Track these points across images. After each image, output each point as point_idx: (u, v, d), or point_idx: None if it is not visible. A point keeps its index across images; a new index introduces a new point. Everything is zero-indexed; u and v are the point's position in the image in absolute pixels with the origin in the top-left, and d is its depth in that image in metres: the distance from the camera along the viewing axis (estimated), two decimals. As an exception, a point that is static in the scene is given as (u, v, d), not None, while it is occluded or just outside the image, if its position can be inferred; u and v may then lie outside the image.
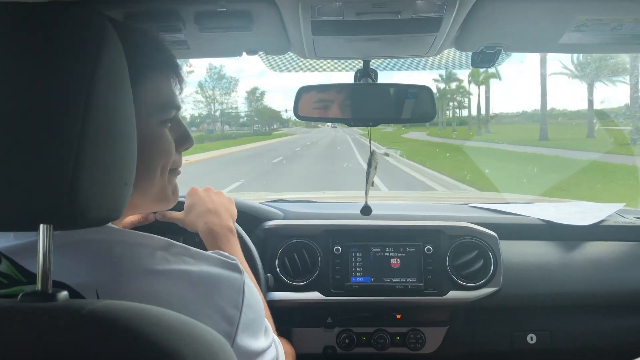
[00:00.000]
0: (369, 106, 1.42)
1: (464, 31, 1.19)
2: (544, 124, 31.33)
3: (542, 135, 29.34)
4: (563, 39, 1.21)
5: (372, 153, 1.50)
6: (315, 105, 1.43)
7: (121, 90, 0.69)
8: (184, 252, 0.81)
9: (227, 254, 0.86)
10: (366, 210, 1.55)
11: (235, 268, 0.84)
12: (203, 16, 1.10)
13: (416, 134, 43.04)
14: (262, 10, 1.09)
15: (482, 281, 1.59)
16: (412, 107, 1.41)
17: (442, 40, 1.19)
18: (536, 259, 1.68)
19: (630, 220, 1.79)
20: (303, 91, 1.40)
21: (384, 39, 1.20)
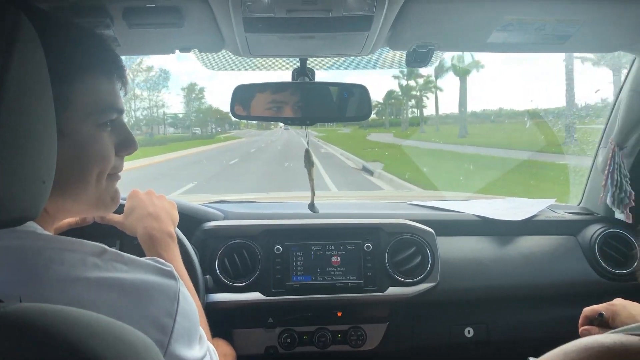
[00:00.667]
0: (306, 105, 1.42)
1: (395, 30, 1.21)
2: (463, 122, 32.94)
3: (462, 134, 30.58)
4: (491, 39, 1.25)
5: (307, 151, 1.51)
6: (251, 104, 1.42)
7: (38, 89, 0.66)
8: (116, 259, 0.78)
9: (162, 260, 0.84)
10: (313, 208, 1.56)
11: (170, 275, 0.82)
12: (132, 12, 1.08)
13: (382, 136, 37.16)
14: (192, 7, 1.07)
15: (420, 277, 1.62)
16: (349, 105, 1.42)
17: (374, 38, 1.21)
18: (472, 254, 1.72)
19: (560, 214, 1.87)
20: (239, 90, 1.39)
21: (317, 37, 1.21)
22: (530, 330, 1.71)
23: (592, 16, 1.16)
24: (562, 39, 1.25)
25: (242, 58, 1.41)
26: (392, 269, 1.62)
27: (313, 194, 1.54)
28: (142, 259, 0.82)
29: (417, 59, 1.37)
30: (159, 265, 0.82)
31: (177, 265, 1.21)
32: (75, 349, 0.56)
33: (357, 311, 1.67)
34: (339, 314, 1.67)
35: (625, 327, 0.58)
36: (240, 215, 1.77)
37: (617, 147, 1.60)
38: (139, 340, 0.64)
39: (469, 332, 1.70)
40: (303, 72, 1.42)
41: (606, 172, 1.63)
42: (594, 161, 1.82)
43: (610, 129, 1.69)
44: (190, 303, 0.84)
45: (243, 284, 1.59)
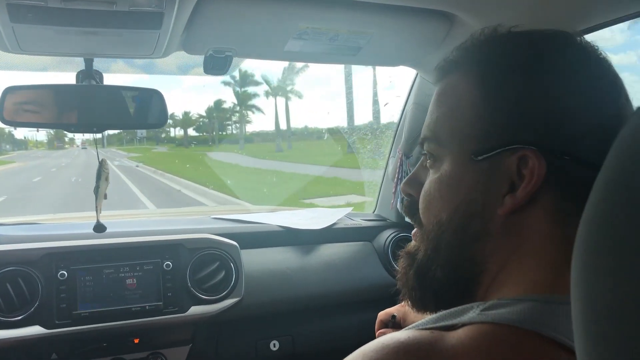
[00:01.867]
0: (94, 110, 1.28)
1: (190, 32, 1.15)
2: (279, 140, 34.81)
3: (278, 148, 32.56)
4: (288, 46, 1.25)
5: (102, 162, 1.37)
6: (27, 108, 1.24)
7: None
8: None
9: None
10: (99, 228, 1.41)
11: None
12: None
13: (229, 156, 32.21)
14: None
15: (224, 293, 1.56)
16: (142, 112, 1.32)
17: (166, 39, 1.13)
18: (276, 265, 1.71)
19: (357, 222, 1.96)
20: (9, 91, 1.20)
21: (102, 33, 1.09)
22: (335, 339, 1.74)
23: (381, 30, 1.22)
24: (354, 50, 1.30)
25: (11, 55, 1.21)
26: (194, 287, 1.53)
27: (99, 211, 1.39)
28: None
29: (215, 65, 1.31)
30: None
31: None
32: None
33: (157, 336, 1.55)
34: (136, 340, 1.52)
35: (416, 323, 0.60)
36: (15, 239, 1.52)
37: (404, 157, 1.73)
38: None
39: (274, 345, 1.67)
40: (89, 75, 1.28)
41: (395, 180, 1.75)
42: (385, 170, 1.95)
43: (398, 139, 1.82)
44: None
45: (19, 318, 1.36)
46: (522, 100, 0.60)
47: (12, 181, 21.36)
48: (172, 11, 0.99)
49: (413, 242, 0.73)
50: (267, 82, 41.43)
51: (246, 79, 43.69)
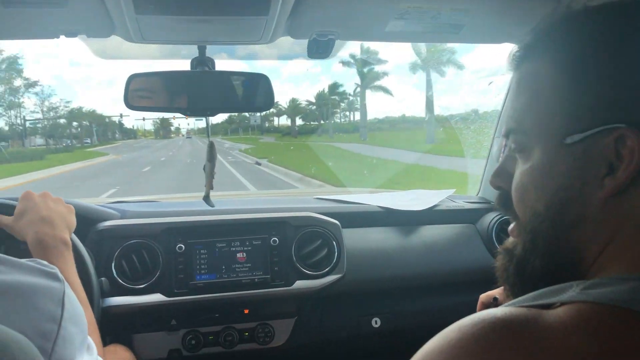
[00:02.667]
0: (206, 95, 1.37)
1: (295, 17, 1.20)
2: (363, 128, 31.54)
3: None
4: (389, 27, 1.27)
5: (211, 145, 1.46)
6: (147, 94, 1.35)
7: None
8: None
9: (45, 262, 0.77)
10: (208, 200, 1.51)
11: (54, 277, 0.75)
12: None
13: (358, 147, 27.93)
14: None
15: (327, 269, 1.62)
16: (250, 96, 1.39)
17: (273, 25, 1.19)
18: (377, 245, 1.74)
19: (459, 204, 1.94)
20: (133, 79, 1.31)
21: (214, 21, 1.17)
22: (435, 319, 1.75)
23: (483, 5, 1.20)
24: (456, 28, 1.29)
25: (135, 45, 1.33)
26: (299, 262, 1.61)
27: (210, 187, 1.50)
28: (23, 260, 0.75)
29: (319, 49, 1.36)
30: (42, 267, 0.75)
31: (70, 276, 1.12)
32: None
33: (265, 307, 1.64)
34: (246, 311, 1.62)
35: (514, 301, 0.60)
36: (139, 214, 1.67)
37: (509, 136, 1.67)
38: (14, 341, 0.58)
39: (375, 322, 1.71)
40: (202, 61, 1.37)
41: (500, 160, 1.70)
42: (489, 152, 1.91)
43: (503, 119, 1.77)
44: (77, 307, 0.78)
45: (143, 286, 1.50)
46: (610, 79, 0.58)
47: (122, 171, 21.24)
48: None
49: (511, 239, 0.72)
50: (417, 53, 31.60)
51: (370, 56, 37.50)
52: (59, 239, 1.15)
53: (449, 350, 0.53)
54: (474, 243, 1.81)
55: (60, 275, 0.76)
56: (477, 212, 1.90)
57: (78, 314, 0.77)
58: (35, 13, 1.08)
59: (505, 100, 1.79)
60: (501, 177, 0.72)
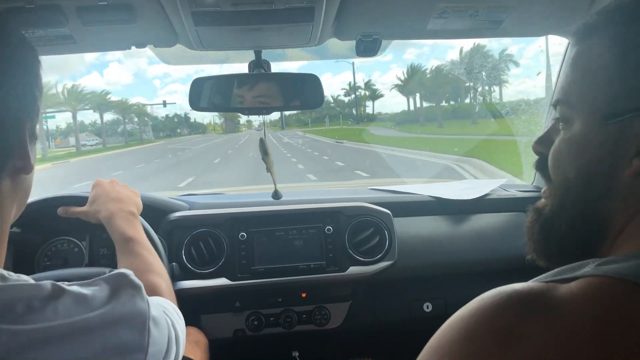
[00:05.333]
0: (262, 95, 1.48)
1: (340, 21, 1.29)
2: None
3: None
4: (430, 25, 1.33)
5: (262, 141, 1.57)
6: (209, 96, 1.48)
7: None
8: (70, 294, 0.68)
9: (130, 271, 0.77)
10: (277, 195, 1.63)
11: (137, 295, 0.74)
12: (85, 10, 1.14)
13: None
14: (143, 3, 1.13)
15: (379, 256, 1.70)
16: (302, 95, 1.49)
17: (319, 29, 1.28)
18: (427, 233, 1.81)
19: (512, 193, 1.96)
20: (197, 82, 1.44)
21: (265, 29, 1.27)
22: None
23: (520, 1, 1.24)
24: (496, 23, 1.33)
25: (197, 52, 1.46)
26: (352, 249, 1.70)
27: (275, 182, 1.61)
28: (106, 275, 0.75)
29: (365, 48, 1.43)
30: (119, 286, 0.73)
31: (140, 237, 1.27)
32: None
33: (321, 291, 1.75)
34: (304, 295, 1.74)
35: (537, 277, 0.64)
36: (206, 206, 1.82)
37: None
38: None
39: (427, 307, 1.78)
40: (259, 64, 1.48)
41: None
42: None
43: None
44: (159, 324, 0.77)
45: (209, 271, 1.65)
46: None
47: (196, 163, 23.49)
48: (322, 4, 1.13)
49: (543, 200, 0.77)
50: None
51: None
52: (127, 212, 1.30)
53: (469, 318, 0.59)
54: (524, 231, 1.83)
55: (143, 293, 0.76)
56: (529, 201, 1.88)
57: (160, 332, 0.77)
58: (110, 29, 1.23)
59: (559, 73, 1.79)
60: (544, 144, 0.75)
